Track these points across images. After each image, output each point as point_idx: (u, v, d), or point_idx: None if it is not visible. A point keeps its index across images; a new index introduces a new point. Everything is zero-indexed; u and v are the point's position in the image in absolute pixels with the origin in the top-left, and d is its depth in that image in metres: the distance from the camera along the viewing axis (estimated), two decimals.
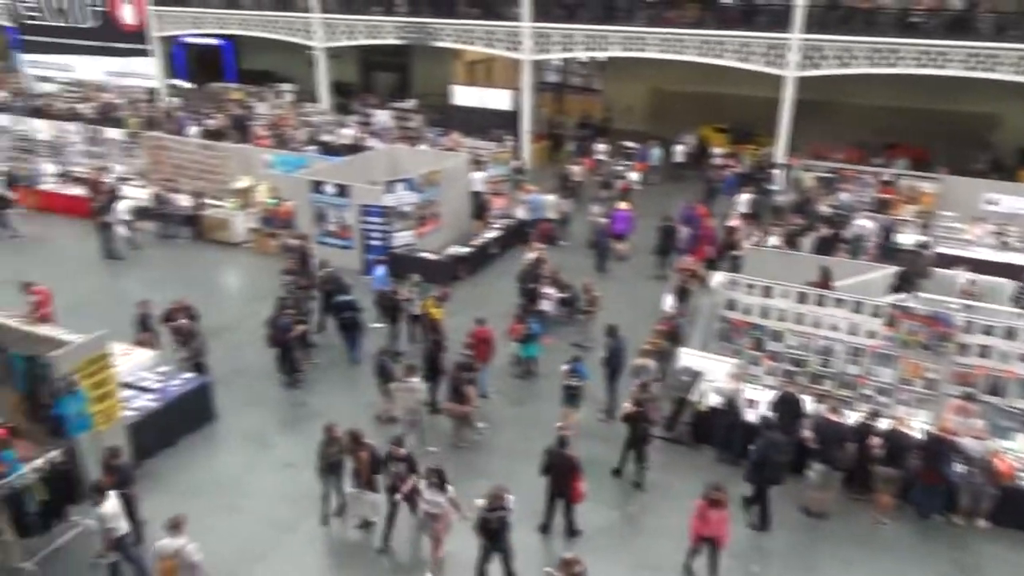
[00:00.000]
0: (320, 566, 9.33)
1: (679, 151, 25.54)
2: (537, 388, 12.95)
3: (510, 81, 28.42)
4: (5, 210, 19.96)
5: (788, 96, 22.74)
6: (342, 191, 17.19)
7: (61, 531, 9.17)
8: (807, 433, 10.10)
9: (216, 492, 10.32)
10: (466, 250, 17.75)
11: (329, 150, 24.61)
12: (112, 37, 28.84)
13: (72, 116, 28.05)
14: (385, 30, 27.95)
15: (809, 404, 10.65)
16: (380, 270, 15.03)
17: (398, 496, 9.22)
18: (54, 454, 9.13)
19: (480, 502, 8.41)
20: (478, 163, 22.25)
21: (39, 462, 8.96)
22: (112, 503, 8.26)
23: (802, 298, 12.09)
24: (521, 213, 19.58)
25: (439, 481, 8.62)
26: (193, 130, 26.48)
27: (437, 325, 13.01)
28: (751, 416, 10.68)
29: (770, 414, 10.33)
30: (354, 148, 24.59)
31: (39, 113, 28.85)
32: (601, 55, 26.70)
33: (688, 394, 11.25)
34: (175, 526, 7.78)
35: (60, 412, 9.51)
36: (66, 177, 22.80)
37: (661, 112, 29.91)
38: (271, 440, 11.57)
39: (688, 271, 14.89)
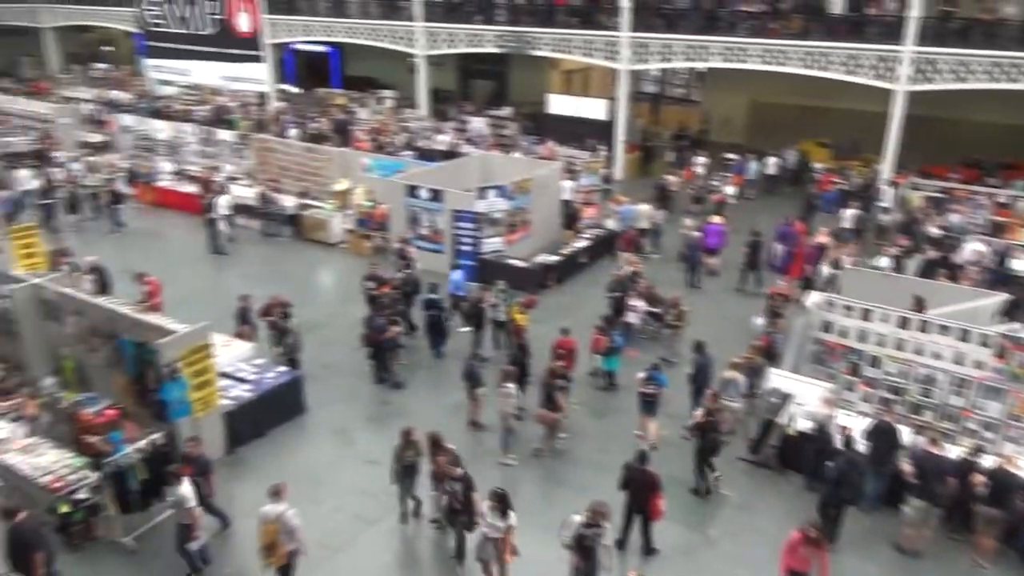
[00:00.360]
0: (396, 563, 9.48)
1: (772, 163, 24.83)
2: (618, 401, 12.80)
3: (606, 90, 28.34)
4: (117, 205, 21.25)
5: (898, 111, 21.75)
6: (436, 196, 17.52)
7: (158, 510, 9.67)
8: (905, 466, 9.61)
9: (301, 483, 10.63)
10: (555, 259, 17.76)
11: (425, 155, 25.13)
12: (228, 44, 30.40)
13: (188, 118, 29.70)
14: (485, 38, 28.35)
15: (907, 435, 10.13)
16: (458, 274, 15.26)
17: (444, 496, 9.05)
18: (156, 436, 9.64)
19: (577, 518, 8.14)
20: (571, 172, 22.27)
21: (142, 443, 9.49)
22: (187, 486, 8.63)
23: (903, 323, 11.53)
24: (611, 223, 19.46)
25: (501, 506, 8.33)
26: (293, 132, 27.56)
27: (522, 332, 13.09)
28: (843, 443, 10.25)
29: (863, 442, 9.89)
30: (449, 154, 25.04)
31: (159, 114, 30.67)
32: (700, 66, 26.28)
33: (776, 416, 10.90)
34: (276, 493, 8.32)
35: (164, 397, 10.07)
36: (181, 175, 24.12)
37: (761, 125, 29.16)
38: (356, 436, 11.88)
39: (781, 295, 14.36)
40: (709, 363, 11.78)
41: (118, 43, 44.05)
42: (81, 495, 9.15)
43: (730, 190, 22.31)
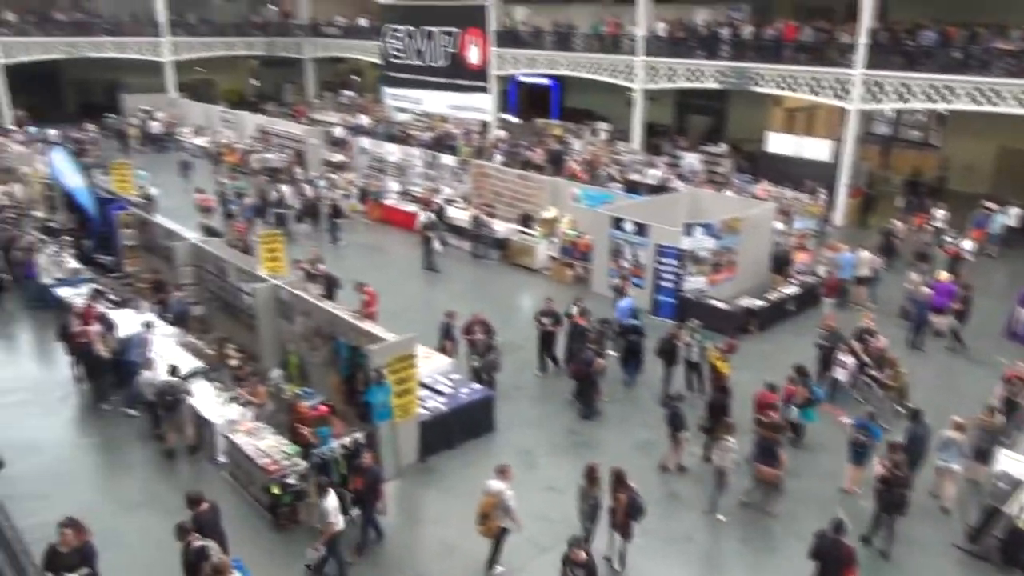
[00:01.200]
0: None
1: (1015, 215, 22.07)
2: (812, 460, 11.96)
3: (831, 131, 26.79)
4: (336, 219, 23.23)
5: None
6: (641, 229, 17.48)
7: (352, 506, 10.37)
8: None
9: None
10: (759, 303, 17.01)
11: (634, 188, 25.16)
12: (458, 75, 32.48)
13: (417, 142, 32.03)
14: (706, 73, 27.96)
15: None
16: (626, 302, 15.22)
17: None
18: (358, 436, 10.42)
19: None
20: (785, 214, 21.27)
21: (346, 440, 10.29)
22: (332, 499, 8.96)
23: None
24: (823, 270, 18.32)
25: None
26: (498, 159, 28.72)
27: (722, 378, 12.65)
28: None
29: None
30: (659, 188, 24.88)
31: (392, 139, 33.37)
32: (942, 107, 24.10)
33: (1004, 504, 9.63)
34: (502, 472, 9.33)
35: (369, 400, 10.86)
36: (405, 195, 26.02)
37: (1010, 174, 26.07)
38: (540, 461, 12.05)
39: (1020, 379, 12.55)
40: (925, 434, 10.69)
41: (365, 73, 48.58)
42: (290, 480, 10.08)
43: (968, 244, 20.16)
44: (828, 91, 24.87)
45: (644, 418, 13.06)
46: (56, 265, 17.81)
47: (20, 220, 20.42)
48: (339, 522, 9.00)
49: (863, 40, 23.40)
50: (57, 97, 41.82)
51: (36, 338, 16.28)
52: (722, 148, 29.65)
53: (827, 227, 22.78)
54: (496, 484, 9.20)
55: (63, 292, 16.41)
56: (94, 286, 16.43)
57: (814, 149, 26.60)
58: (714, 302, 16.75)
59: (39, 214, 21.73)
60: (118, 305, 15.63)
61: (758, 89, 26.77)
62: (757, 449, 10.68)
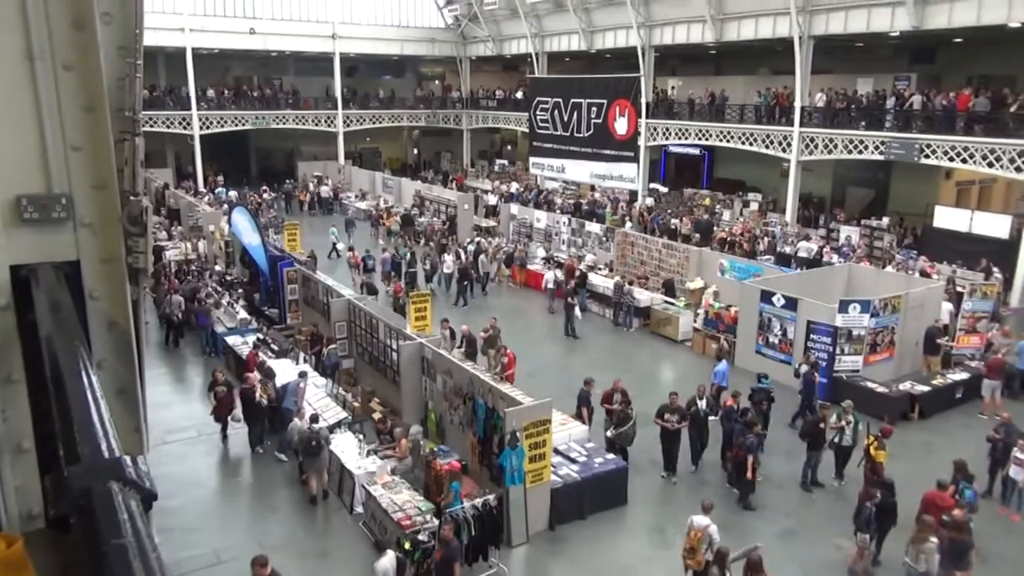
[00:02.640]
0: None
1: None
2: (991, 572, 10.72)
3: (1009, 205, 24.75)
4: (465, 282, 23.56)
5: None
6: (792, 304, 16.78)
7: (481, 568, 10.42)
8: None
9: (613, 573, 10.67)
10: (922, 388, 15.73)
11: (784, 261, 24.26)
12: (603, 145, 33.02)
13: (561, 209, 32.63)
14: (867, 145, 26.82)
15: None
16: (723, 365, 14.91)
17: None
18: (490, 498, 10.47)
19: None
20: (954, 294, 19.73)
21: (477, 502, 10.38)
22: (389, 560, 9.08)
23: None
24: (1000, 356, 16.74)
25: None
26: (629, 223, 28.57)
27: (878, 468, 11.71)
28: None
29: None
30: (814, 262, 23.84)
31: (539, 205, 34.18)
32: None
33: None
34: (707, 509, 10.06)
35: (502, 462, 10.93)
36: (550, 260, 26.44)
37: None
38: (671, 539, 11.57)
39: None
40: None
41: (518, 143, 50.44)
42: (422, 537, 10.25)
43: None
44: (1007, 163, 23.09)
45: (786, 505, 12.29)
46: (229, 315, 19.45)
47: (201, 273, 22.56)
48: None
49: None
50: (244, 163, 46.33)
51: (205, 381, 17.72)
52: (883, 221, 28.11)
53: (1003, 309, 20.83)
54: (702, 519, 9.96)
55: (232, 340, 17.84)
56: (259, 336, 17.76)
57: (990, 225, 24.59)
58: (871, 384, 15.66)
59: (218, 268, 23.91)
60: (278, 355, 16.77)
61: (926, 161, 25.29)
62: (950, 552, 9.64)
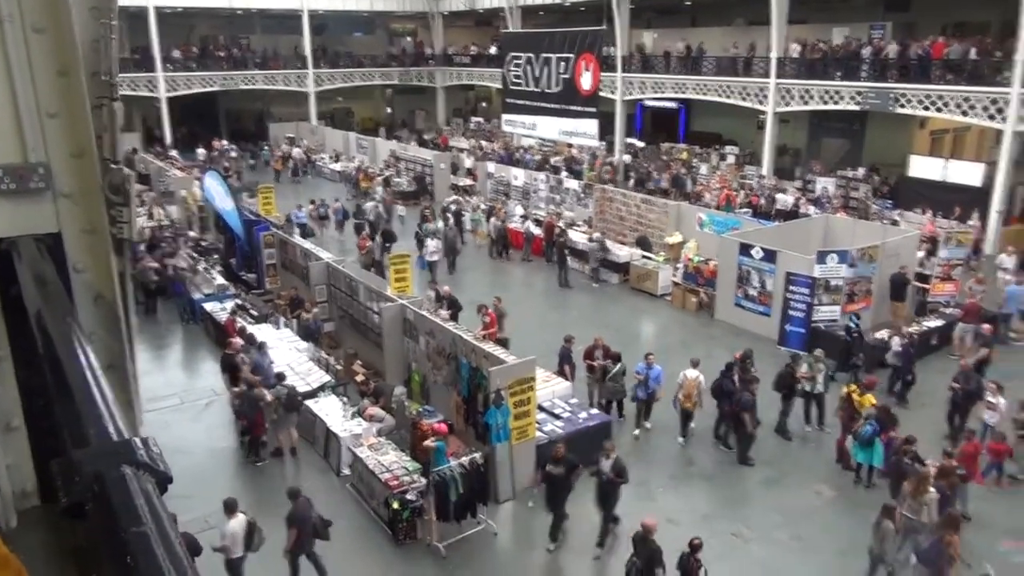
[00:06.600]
0: None
1: None
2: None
3: (983, 153, 24.97)
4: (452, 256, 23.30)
5: None
6: (770, 256, 16.90)
7: (469, 524, 10.55)
8: None
9: (595, 526, 10.80)
10: (898, 336, 15.96)
11: (763, 214, 24.39)
12: (570, 100, 32.67)
13: (542, 167, 32.43)
14: (842, 95, 26.82)
15: None
16: (655, 370, 13.47)
17: None
18: (476, 456, 10.56)
19: None
20: (930, 242, 19.99)
21: (464, 460, 10.46)
22: (239, 523, 8.91)
23: None
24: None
25: None
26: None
27: (856, 415, 11.92)
28: None
29: None
30: (791, 214, 23.99)
31: (516, 163, 33.92)
32: None
33: None
34: (695, 364, 12.55)
35: (488, 420, 11.01)
36: (527, 218, 26.32)
37: None
38: (654, 491, 11.79)
39: None
40: None
41: (492, 100, 49.80)
42: (410, 496, 10.35)
43: None
44: (980, 111, 23.23)
45: (765, 454, 12.54)
46: (205, 281, 19.23)
47: (176, 240, 22.21)
48: (237, 551, 8.91)
49: (1020, 56, 21.73)
50: (214, 126, 45.39)
51: (184, 348, 17.59)
52: (859, 172, 28.26)
53: (976, 257, 21.17)
54: (692, 372, 12.48)
55: (209, 306, 17.67)
56: (237, 301, 17.60)
57: (963, 173, 24.84)
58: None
59: (192, 234, 23.55)
60: (257, 320, 16.65)
61: (901, 110, 25.37)
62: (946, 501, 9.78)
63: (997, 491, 11.31)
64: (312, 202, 26.71)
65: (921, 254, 18.93)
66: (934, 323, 16.69)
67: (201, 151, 37.52)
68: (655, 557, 8.63)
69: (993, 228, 23.32)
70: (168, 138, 39.65)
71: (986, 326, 15.44)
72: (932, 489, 9.61)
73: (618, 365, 13.36)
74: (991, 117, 22.96)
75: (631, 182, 29.67)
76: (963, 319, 16.02)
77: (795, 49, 28.72)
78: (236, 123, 46.92)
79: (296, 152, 39.03)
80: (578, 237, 22.82)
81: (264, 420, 12.47)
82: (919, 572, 8.95)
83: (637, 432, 13.20)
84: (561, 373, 13.93)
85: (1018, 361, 15.44)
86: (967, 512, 10.33)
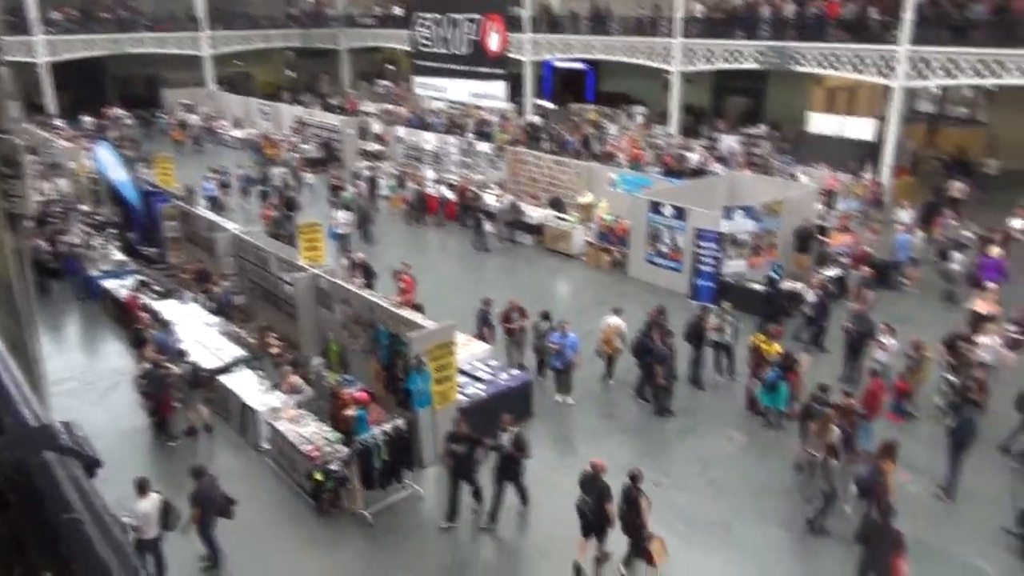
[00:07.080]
0: None
1: None
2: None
3: (874, 109, 26.15)
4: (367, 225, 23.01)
5: None
6: (679, 213, 17.28)
7: (394, 490, 10.51)
8: None
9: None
10: (801, 286, 16.69)
11: (672, 172, 24.88)
12: (478, 62, 32.37)
13: (452, 130, 32.04)
14: (744, 54, 27.47)
15: None
16: (572, 338, 13.89)
17: None
18: (399, 422, 10.49)
19: None
20: (828, 195, 20.87)
21: (387, 427, 10.37)
22: (151, 503, 8.70)
23: None
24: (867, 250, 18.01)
25: None
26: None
27: (762, 361, 12.44)
28: None
29: None
30: (698, 172, 24.56)
31: (427, 127, 33.40)
32: (992, 83, 23.31)
33: None
34: (617, 312, 13.00)
35: (409, 386, 10.92)
36: (440, 182, 26.05)
37: None
38: (577, 447, 12.03)
39: None
40: (975, 418, 10.40)
41: (400, 62, 48.70)
42: (333, 466, 10.20)
43: (1019, 224, 19.53)
44: (872, 68, 24.26)
45: (679, 403, 12.93)
46: (102, 257, 18.23)
47: (67, 214, 20.92)
48: (151, 532, 8.71)
49: (908, 15, 22.74)
50: (100, 92, 42.67)
51: (82, 329, 16.70)
52: (761, 129, 29.14)
53: (876, 208, 22.26)
54: (614, 318, 13.21)
55: (109, 284, 16.80)
56: (139, 277, 16.78)
57: (856, 128, 25.99)
58: (755, 286, 16.49)
59: (85, 208, 22.23)
60: (162, 296, 15.95)
61: (799, 68, 26.21)
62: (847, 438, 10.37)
63: (895, 426, 12.04)
64: (214, 170, 25.68)
65: (820, 207, 19.74)
66: (832, 272, 17.47)
67: (88, 119, 35.36)
68: (604, 493, 8.85)
69: (886, 181, 24.54)
70: (51, 107, 37.15)
71: (865, 269, 16.37)
72: (835, 428, 10.13)
73: (543, 324, 13.45)
74: (882, 74, 24.01)
75: (542, 143, 29.64)
76: (853, 267, 16.90)
77: (699, 9, 29.17)
78: (125, 89, 44.22)
79: (194, 119, 37.25)
80: (492, 200, 22.75)
81: (171, 399, 12.01)
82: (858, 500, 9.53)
83: (559, 398, 13.34)
84: (480, 336, 13.95)
85: (909, 306, 16.41)
86: (870, 448, 10.96)
